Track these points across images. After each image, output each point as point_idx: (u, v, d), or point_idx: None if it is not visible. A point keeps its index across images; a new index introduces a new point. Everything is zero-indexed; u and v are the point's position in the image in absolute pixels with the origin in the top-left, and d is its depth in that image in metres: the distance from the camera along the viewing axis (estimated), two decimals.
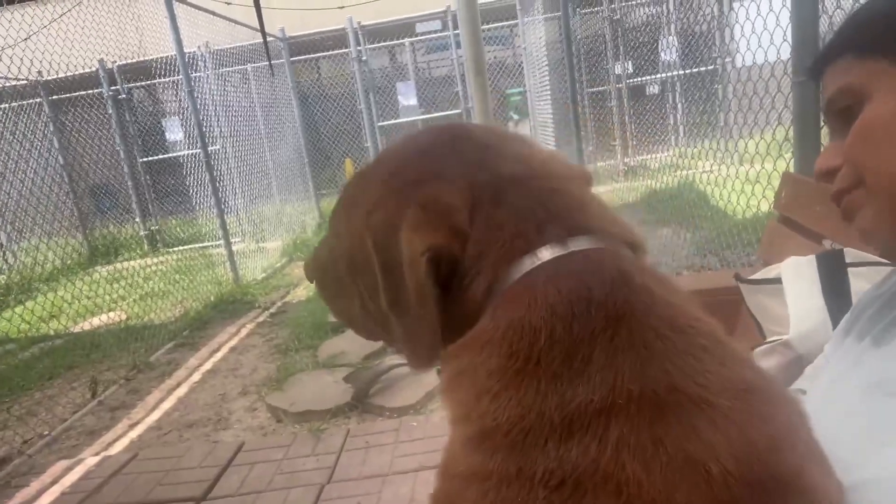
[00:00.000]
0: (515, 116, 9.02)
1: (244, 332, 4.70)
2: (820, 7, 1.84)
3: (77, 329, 5.28)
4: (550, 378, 0.42)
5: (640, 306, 0.44)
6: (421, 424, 2.86)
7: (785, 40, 2.39)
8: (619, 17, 7.90)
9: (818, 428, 0.47)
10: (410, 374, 3.33)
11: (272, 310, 5.15)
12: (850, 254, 1.08)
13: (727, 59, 6.81)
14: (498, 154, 0.52)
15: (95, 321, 5.42)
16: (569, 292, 0.44)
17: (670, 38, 7.72)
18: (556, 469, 0.39)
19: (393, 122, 8.98)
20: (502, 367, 0.45)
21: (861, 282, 1.03)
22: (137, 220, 8.78)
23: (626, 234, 0.50)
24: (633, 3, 8.20)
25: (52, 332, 5.12)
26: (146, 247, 8.58)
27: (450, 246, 0.48)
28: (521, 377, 0.43)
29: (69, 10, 5.33)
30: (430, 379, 3.25)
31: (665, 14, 8.14)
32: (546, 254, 0.47)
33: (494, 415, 0.44)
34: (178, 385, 3.85)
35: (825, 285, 1.05)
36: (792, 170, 2.04)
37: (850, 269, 1.05)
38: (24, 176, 7.64)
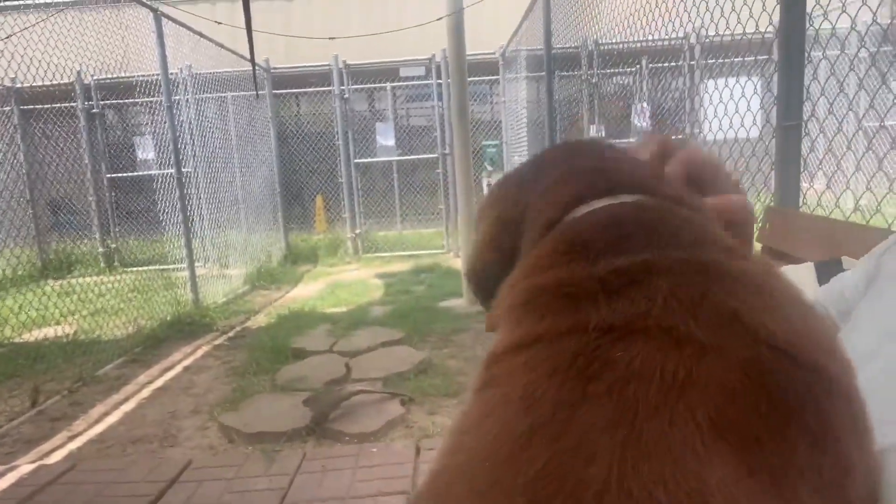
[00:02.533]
0: (490, 167, 9.16)
1: (200, 352, 4.53)
2: (805, 57, 1.93)
3: (21, 339, 5.02)
4: (596, 252, 0.43)
5: (687, 221, 0.46)
6: (381, 451, 2.76)
7: (754, 123, 2.52)
8: (596, 80, 8.21)
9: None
10: (373, 400, 3.24)
11: (231, 334, 5.00)
12: (847, 262, 1.10)
13: (696, 130, 7.10)
14: (603, 163, 0.55)
15: (41, 333, 5.17)
16: (610, 210, 0.47)
17: (643, 104, 8.03)
18: (608, 318, 0.38)
19: (370, 160, 9.04)
20: (549, 253, 0.46)
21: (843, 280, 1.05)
22: (96, 236, 8.52)
23: (693, 203, 0.51)
24: (609, 71, 8.55)
25: None
26: (102, 264, 8.31)
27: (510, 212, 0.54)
28: (568, 256, 0.44)
29: (51, 16, 5.26)
30: (393, 407, 3.17)
31: (637, 83, 8.51)
32: (600, 203, 0.49)
33: (542, 279, 0.44)
34: (126, 400, 3.66)
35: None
36: None
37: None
38: None
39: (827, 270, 1.10)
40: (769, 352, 0.36)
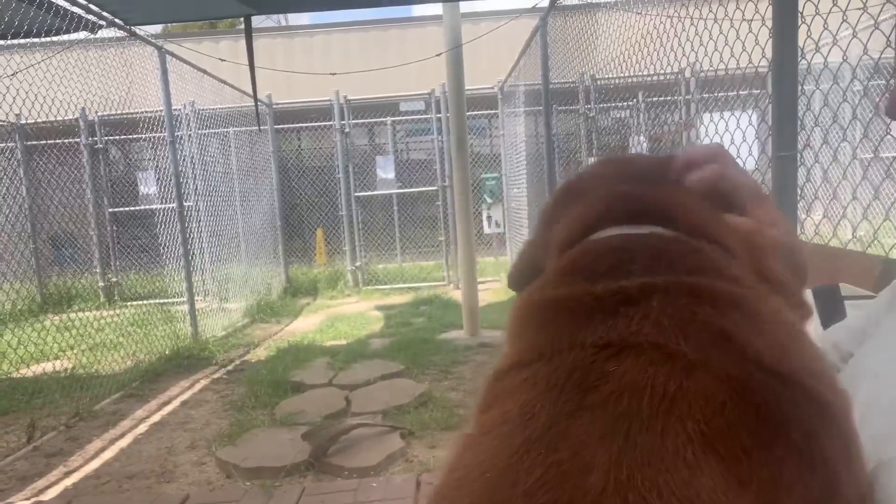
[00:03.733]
0: (489, 199, 9.22)
1: (198, 387, 4.50)
2: (799, 88, 1.96)
3: (19, 374, 4.99)
4: (597, 274, 0.45)
5: (694, 251, 0.47)
6: (381, 486, 2.72)
7: (750, 154, 2.54)
8: (593, 114, 8.31)
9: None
10: (372, 434, 3.20)
11: (230, 367, 4.97)
12: (845, 289, 1.10)
13: None
14: (640, 177, 0.58)
15: (40, 368, 5.14)
16: (622, 237, 0.49)
17: (640, 137, 8.11)
18: (604, 335, 0.40)
19: (370, 193, 9.10)
20: (556, 273, 0.49)
21: (858, 314, 1.05)
22: (97, 270, 8.53)
23: (713, 234, 0.52)
24: (607, 105, 8.66)
25: None
26: (102, 299, 8.30)
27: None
28: (571, 277, 0.47)
29: (56, 54, 5.35)
30: (393, 441, 3.14)
31: (635, 117, 8.61)
32: (615, 231, 0.51)
33: (543, 296, 0.47)
34: (122, 435, 3.62)
35: (823, 316, 1.06)
36: None
37: (847, 302, 1.06)
38: None
39: (825, 296, 1.11)
40: (757, 370, 0.37)
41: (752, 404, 0.36)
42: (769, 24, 2.06)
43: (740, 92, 2.50)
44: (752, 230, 0.55)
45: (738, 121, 2.70)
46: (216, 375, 4.77)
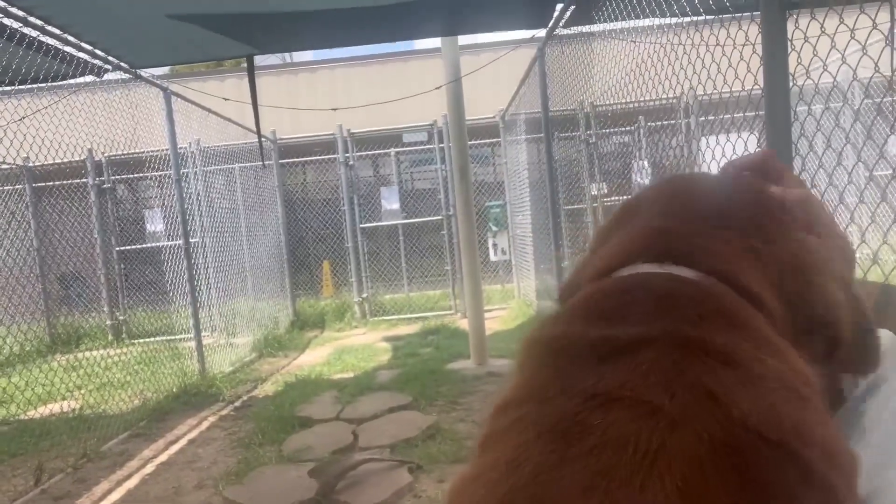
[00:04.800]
0: (494, 227, 9.25)
1: (205, 424, 4.48)
2: (792, 114, 1.97)
3: (27, 416, 4.98)
4: (597, 317, 0.47)
5: (695, 301, 0.47)
6: None
7: None
8: (594, 140, 8.36)
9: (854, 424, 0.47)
10: (380, 469, 3.17)
11: (237, 403, 4.95)
12: None
13: None
14: (687, 204, 0.58)
15: (47, 409, 5.14)
16: (636, 278, 0.50)
17: (642, 161, 8.14)
18: (592, 384, 0.41)
19: (375, 224, 9.14)
20: (568, 308, 0.52)
21: None
22: (105, 309, 8.57)
23: (739, 278, 0.51)
24: (607, 131, 8.72)
25: None
26: (110, 337, 8.32)
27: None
28: (574, 315, 0.50)
29: (63, 98, 5.45)
30: (401, 475, 3.11)
31: (636, 142, 8.65)
32: (641, 268, 0.52)
33: (545, 331, 0.49)
34: (129, 476, 3.61)
35: None
36: None
37: None
38: None
39: None
40: (741, 431, 0.38)
41: (733, 465, 0.36)
42: (759, 49, 2.09)
43: (735, 115, 2.52)
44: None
45: (733, 145, 2.72)
46: (224, 412, 4.76)
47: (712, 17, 2.65)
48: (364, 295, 8.87)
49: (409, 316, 8.55)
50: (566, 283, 0.63)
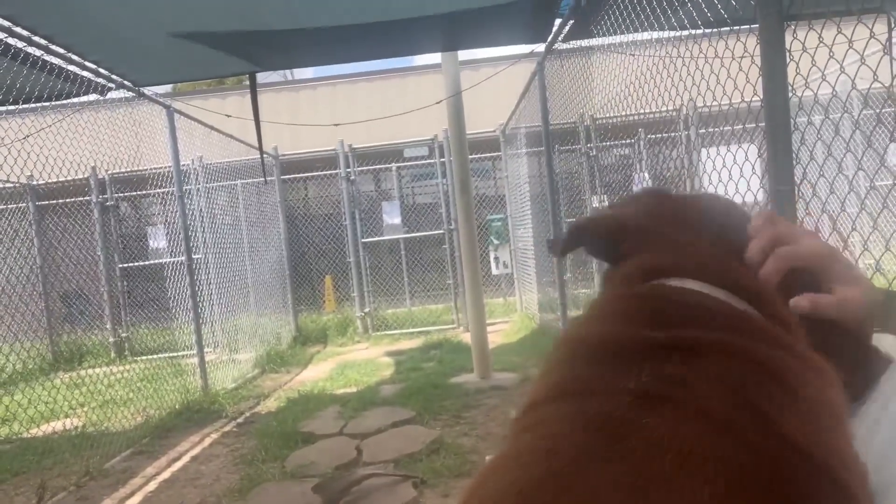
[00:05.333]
0: (496, 241, 9.26)
1: (208, 441, 4.46)
2: (792, 124, 1.99)
3: (30, 434, 4.97)
4: (652, 322, 0.47)
5: (741, 318, 0.48)
6: None
7: (748, 189, 2.56)
8: (595, 153, 8.39)
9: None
10: (384, 484, 3.15)
11: (240, 420, 4.93)
12: None
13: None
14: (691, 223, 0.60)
15: (50, 427, 5.12)
16: (672, 290, 0.51)
17: (643, 174, 8.16)
18: (645, 383, 0.41)
19: (377, 238, 9.16)
20: (611, 309, 0.52)
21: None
22: (108, 326, 8.56)
23: (735, 283, 0.53)
24: (608, 143, 8.75)
25: (1, 438, 4.82)
26: (113, 354, 8.31)
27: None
28: (628, 318, 0.49)
29: (67, 117, 5.48)
30: (405, 490, 3.09)
31: (636, 154, 8.68)
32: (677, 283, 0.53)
33: (589, 331, 0.49)
34: (132, 494, 3.58)
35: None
36: None
37: None
38: None
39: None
40: (788, 448, 0.38)
41: (777, 479, 0.36)
42: (758, 61, 2.10)
43: (735, 127, 2.53)
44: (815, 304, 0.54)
45: (734, 156, 2.73)
46: (226, 428, 4.74)
47: (711, 30, 2.67)
48: (366, 309, 8.86)
49: (411, 330, 8.53)
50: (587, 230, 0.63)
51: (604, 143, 8.68)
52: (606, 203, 8.43)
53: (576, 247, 0.62)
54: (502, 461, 0.43)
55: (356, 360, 6.94)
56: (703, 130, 7.16)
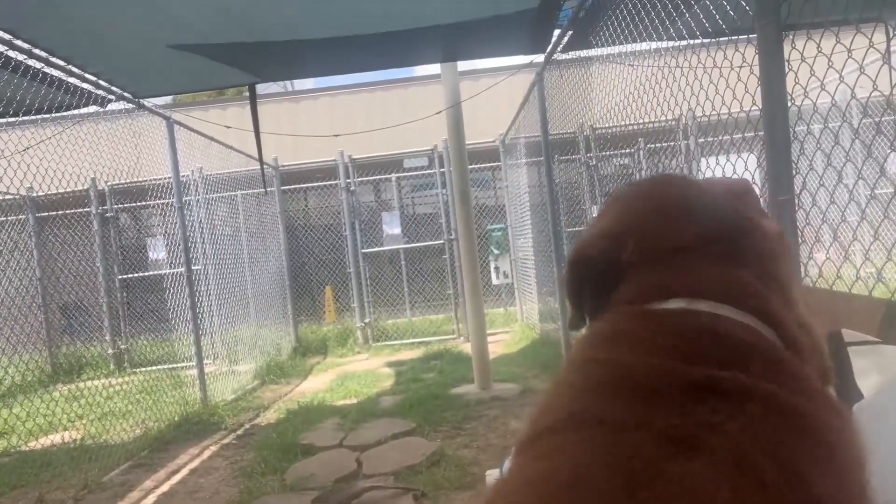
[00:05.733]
0: (496, 251, 9.25)
1: (207, 453, 4.43)
2: (790, 134, 1.98)
3: (28, 447, 4.94)
4: (689, 356, 0.45)
5: (777, 351, 0.48)
6: None
7: None
8: (594, 163, 8.40)
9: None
10: (384, 497, 3.13)
11: (239, 431, 4.91)
12: (847, 334, 1.09)
13: None
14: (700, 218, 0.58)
15: (48, 440, 5.09)
16: (688, 315, 0.50)
17: None
18: (678, 426, 0.39)
19: (377, 249, 9.15)
20: (634, 335, 0.50)
21: (861, 360, 1.03)
22: (107, 338, 8.54)
23: (791, 331, 0.51)
24: (608, 153, 8.76)
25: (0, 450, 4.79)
26: (112, 366, 8.28)
27: None
28: (656, 348, 0.47)
29: (67, 129, 5.48)
30: (405, 503, 3.06)
31: (636, 163, 8.69)
32: (674, 304, 0.52)
33: (621, 358, 0.47)
34: None
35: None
36: None
37: (850, 348, 1.05)
38: None
39: (830, 343, 1.09)
40: None
41: None
42: (757, 71, 2.11)
43: (734, 136, 2.53)
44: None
45: (733, 166, 2.73)
46: (225, 441, 4.71)
47: (709, 40, 2.68)
48: (366, 320, 8.84)
49: (411, 341, 8.51)
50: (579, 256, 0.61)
51: (604, 153, 8.70)
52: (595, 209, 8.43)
53: (580, 282, 0.59)
54: (516, 487, 0.41)
55: (356, 370, 6.92)
56: (703, 140, 7.17)
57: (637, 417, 0.40)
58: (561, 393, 0.49)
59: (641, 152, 8.83)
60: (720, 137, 2.57)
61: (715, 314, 0.49)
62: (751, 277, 0.52)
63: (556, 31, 4.39)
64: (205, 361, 5.96)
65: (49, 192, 5.55)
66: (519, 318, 9.15)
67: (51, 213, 8.94)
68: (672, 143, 8.44)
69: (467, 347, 7.33)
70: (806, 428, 0.41)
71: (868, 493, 0.41)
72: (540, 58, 5.13)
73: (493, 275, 9.34)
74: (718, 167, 2.66)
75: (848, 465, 0.41)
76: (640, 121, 3.65)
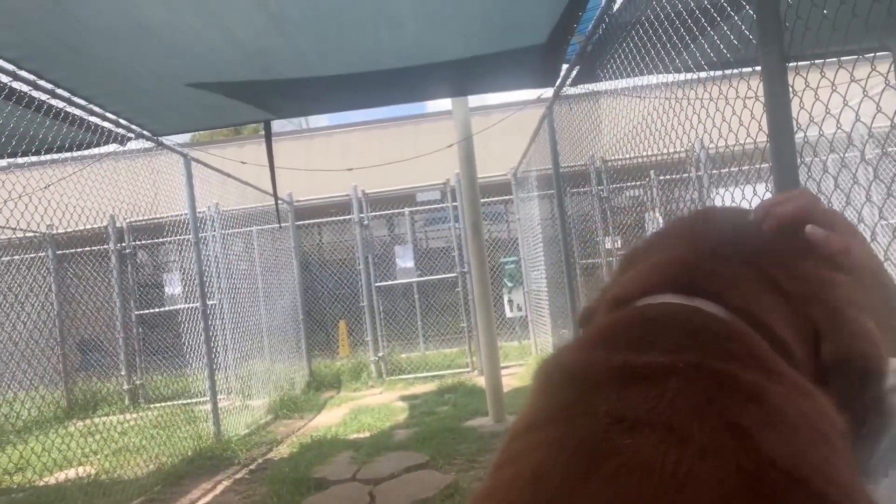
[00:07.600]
0: (510, 283, 9.24)
1: (220, 488, 4.41)
2: (797, 160, 2.00)
3: (43, 482, 4.94)
4: (620, 345, 0.47)
5: (723, 338, 0.47)
6: None
7: None
8: (606, 195, 8.43)
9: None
10: None
11: (252, 466, 4.88)
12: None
13: None
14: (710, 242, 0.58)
15: (63, 475, 5.09)
16: (656, 309, 0.51)
17: (655, 214, 8.16)
18: (619, 408, 0.41)
19: (390, 282, 9.18)
20: (587, 335, 0.52)
21: None
22: (122, 374, 8.58)
23: (764, 319, 0.51)
24: (619, 185, 8.79)
25: (15, 486, 4.79)
26: (127, 402, 8.30)
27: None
28: (596, 343, 0.50)
29: (87, 167, 5.60)
30: None
31: (648, 195, 8.71)
32: (663, 299, 0.52)
33: (565, 358, 0.49)
34: None
35: None
36: None
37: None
38: (13, 327, 7.60)
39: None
40: (769, 467, 0.37)
41: (762, 498, 0.36)
42: (763, 100, 2.13)
43: (744, 167, 2.55)
44: (834, 282, 0.53)
45: (743, 193, 2.74)
46: (238, 475, 4.68)
47: (715, 72, 2.71)
48: (380, 354, 8.82)
49: (425, 374, 8.46)
50: (585, 309, 0.64)
51: (615, 185, 8.73)
52: (620, 244, 8.42)
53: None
54: (486, 494, 0.42)
55: (370, 404, 6.88)
56: (715, 171, 7.18)
57: (587, 406, 0.42)
58: (527, 401, 0.51)
59: (654, 183, 8.84)
60: (730, 168, 2.59)
61: (671, 304, 0.50)
62: (750, 280, 0.53)
63: (565, 66, 4.46)
64: (219, 396, 5.97)
65: (68, 230, 5.64)
66: (533, 351, 9.08)
67: (69, 251, 9.09)
68: (683, 175, 8.46)
69: (481, 381, 7.28)
70: (754, 395, 0.41)
71: (831, 467, 0.41)
72: (549, 91, 5.20)
73: (507, 308, 9.31)
74: (729, 195, 2.67)
75: (804, 432, 0.41)
76: (650, 153, 3.67)
